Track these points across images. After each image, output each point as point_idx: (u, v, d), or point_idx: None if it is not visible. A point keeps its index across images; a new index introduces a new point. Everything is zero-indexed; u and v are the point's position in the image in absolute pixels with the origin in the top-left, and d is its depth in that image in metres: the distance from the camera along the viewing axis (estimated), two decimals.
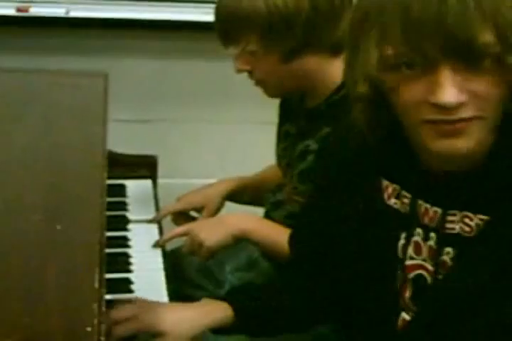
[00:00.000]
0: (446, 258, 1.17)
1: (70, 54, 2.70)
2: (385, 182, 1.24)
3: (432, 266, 1.19)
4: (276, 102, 1.94)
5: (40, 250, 1.31)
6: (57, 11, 2.69)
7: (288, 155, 1.84)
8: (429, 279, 1.20)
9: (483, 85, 1.03)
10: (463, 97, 1.03)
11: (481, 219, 1.12)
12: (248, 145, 2.85)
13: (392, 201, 1.23)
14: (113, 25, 2.72)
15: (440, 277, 1.18)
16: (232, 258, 1.93)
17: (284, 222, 1.79)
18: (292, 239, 1.55)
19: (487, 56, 1.01)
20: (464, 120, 1.04)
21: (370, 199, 1.26)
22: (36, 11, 2.68)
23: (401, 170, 1.19)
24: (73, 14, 2.70)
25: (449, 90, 1.02)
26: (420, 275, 1.21)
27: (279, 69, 1.69)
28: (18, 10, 2.67)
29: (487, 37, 0.99)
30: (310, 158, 1.73)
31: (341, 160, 1.31)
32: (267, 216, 1.91)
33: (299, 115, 1.81)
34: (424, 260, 1.20)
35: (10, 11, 2.67)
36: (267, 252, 1.75)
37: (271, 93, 1.78)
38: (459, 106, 1.03)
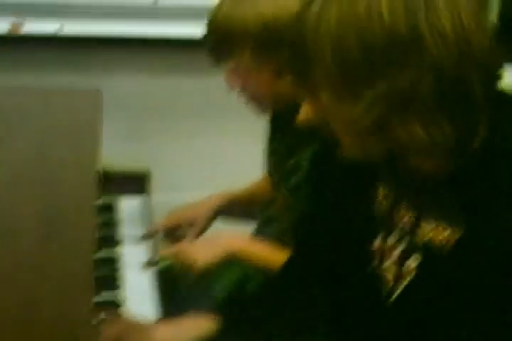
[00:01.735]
0: (411, 264, 1.20)
1: (63, 70, 2.72)
2: (380, 183, 1.27)
3: (396, 270, 1.22)
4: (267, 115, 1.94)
5: (34, 270, 1.33)
6: (50, 28, 2.70)
7: (278, 171, 1.84)
8: (391, 283, 1.23)
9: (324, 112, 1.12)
10: (313, 120, 1.15)
11: (454, 231, 1.14)
12: (240, 158, 2.86)
13: (379, 202, 1.26)
14: (106, 41, 2.73)
15: (403, 282, 1.21)
16: (223, 276, 1.90)
17: (275, 238, 1.80)
18: (296, 237, 1.55)
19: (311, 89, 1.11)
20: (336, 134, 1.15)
21: (365, 199, 1.29)
22: (29, 28, 2.69)
23: (393, 173, 1.22)
24: (66, 31, 2.71)
25: (300, 113, 1.17)
26: (385, 278, 1.24)
27: (271, 85, 1.67)
28: (10, 30, 2.67)
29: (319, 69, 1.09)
30: (300, 173, 1.72)
31: (339, 163, 1.31)
32: (259, 232, 1.91)
33: (289, 130, 1.81)
34: (393, 263, 1.23)
35: (3, 26, 2.68)
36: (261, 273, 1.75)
37: (263, 109, 1.77)
38: (323, 123, 1.13)
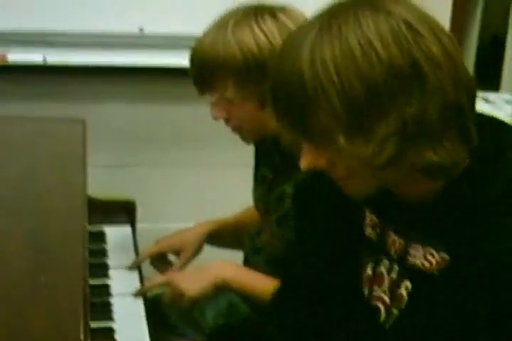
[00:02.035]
0: (403, 291, 1.20)
1: (48, 100, 2.73)
2: (367, 212, 1.28)
3: (389, 298, 1.22)
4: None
5: (24, 300, 1.32)
6: (35, 58, 2.70)
7: (265, 200, 1.84)
8: (383, 312, 1.23)
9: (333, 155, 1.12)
10: (319, 163, 1.14)
11: (443, 258, 1.15)
12: (226, 188, 2.87)
13: (368, 230, 1.27)
14: (90, 71, 2.74)
15: (394, 311, 1.21)
16: (213, 303, 1.92)
17: (263, 267, 1.79)
18: (285, 269, 1.55)
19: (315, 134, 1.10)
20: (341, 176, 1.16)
21: (353, 228, 1.30)
22: (13, 58, 2.69)
23: (380, 201, 1.23)
24: (50, 61, 2.71)
25: (303, 159, 1.15)
26: (376, 307, 1.24)
27: (256, 115, 1.68)
28: None
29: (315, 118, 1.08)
30: (287, 202, 1.73)
31: (325, 191, 1.32)
32: (247, 261, 1.91)
33: (274, 159, 1.82)
34: (384, 292, 1.24)
35: None
36: (250, 300, 1.75)
37: (248, 139, 1.78)
38: (328, 168, 1.15)
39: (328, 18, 1.10)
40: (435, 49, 1.07)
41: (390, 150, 1.07)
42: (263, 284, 1.64)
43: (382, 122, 1.06)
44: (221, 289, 1.73)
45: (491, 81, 3.60)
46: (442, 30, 1.11)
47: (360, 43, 1.06)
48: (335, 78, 1.05)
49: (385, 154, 1.07)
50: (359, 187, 1.16)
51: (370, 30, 1.06)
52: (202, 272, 1.71)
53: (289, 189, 1.73)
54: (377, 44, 1.06)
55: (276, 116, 1.14)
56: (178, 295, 1.68)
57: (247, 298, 1.80)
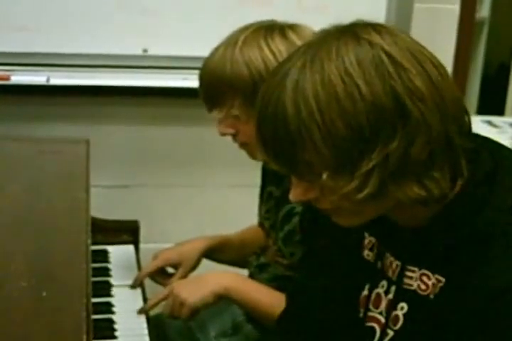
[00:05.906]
0: (399, 313, 1.20)
1: (51, 121, 2.73)
2: (366, 234, 1.28)
3: (384, 318, 1.22)
4: (253, 165, 1.95)
5: (27, 318, 1.31)
6: (38, 79, 2.71)
7: (272, 217, 1.84)
8: (378, 333, 1.23)
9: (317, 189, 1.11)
10: (308, 196, 1.13)
11: (438, 280, 1.14)
12: (230, 208, 2.86)
13: (366, 252, 1.28)
14: (93, 92, 2.75)
15: (389, 332, 1.21)
16: (216, 322, 1.92)
17: (268, 284, 1.79)
18: (289, 296, 1.55)
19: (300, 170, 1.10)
20: (328, 209, 1.15)
21: (352, 251, 1.30)
22: (17, 79, 2.71)
23: (379, 224, 1.22)
24: (53, 82, 2.73)
25: (292, 192, 1.14)
26: (371, 328, 1.24)
27: None
28: None
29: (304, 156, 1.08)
30: (295, 220, 1.73)
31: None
32: (251, 279, 1.90)
33: (282, 177, 1.81)
34: (380, 313, 1.23)
35: None
36: (248, 311, 1.74)
37: (255, 156, 1.78)
38: (314, 201, 1.14)
39: (311, 51, 1.09)
40: (419, 82, 1.06)
41: (372, 185, 1.06)
42: (266, 298, 1.64)
43: (366, 159, 1.05)
44: (224, 307, 1.73)
45: (497, 106, 3.65)
46: (427, 57, 1.10)
47: (343, 80, 1.05)
48: (317, 117, 1.05)
49: (367, 190, 1.06)
50: (347, 218, 1.16)
51: (352, 66, 1.05)
52: (203, 281, 1.71)
53: (298, 207, 1.73)
54: (359, 81, 1.05)
55: (263, 149, 1.13)
56: (179, 304, 1.67)
57: (247, 312, 1.79)
